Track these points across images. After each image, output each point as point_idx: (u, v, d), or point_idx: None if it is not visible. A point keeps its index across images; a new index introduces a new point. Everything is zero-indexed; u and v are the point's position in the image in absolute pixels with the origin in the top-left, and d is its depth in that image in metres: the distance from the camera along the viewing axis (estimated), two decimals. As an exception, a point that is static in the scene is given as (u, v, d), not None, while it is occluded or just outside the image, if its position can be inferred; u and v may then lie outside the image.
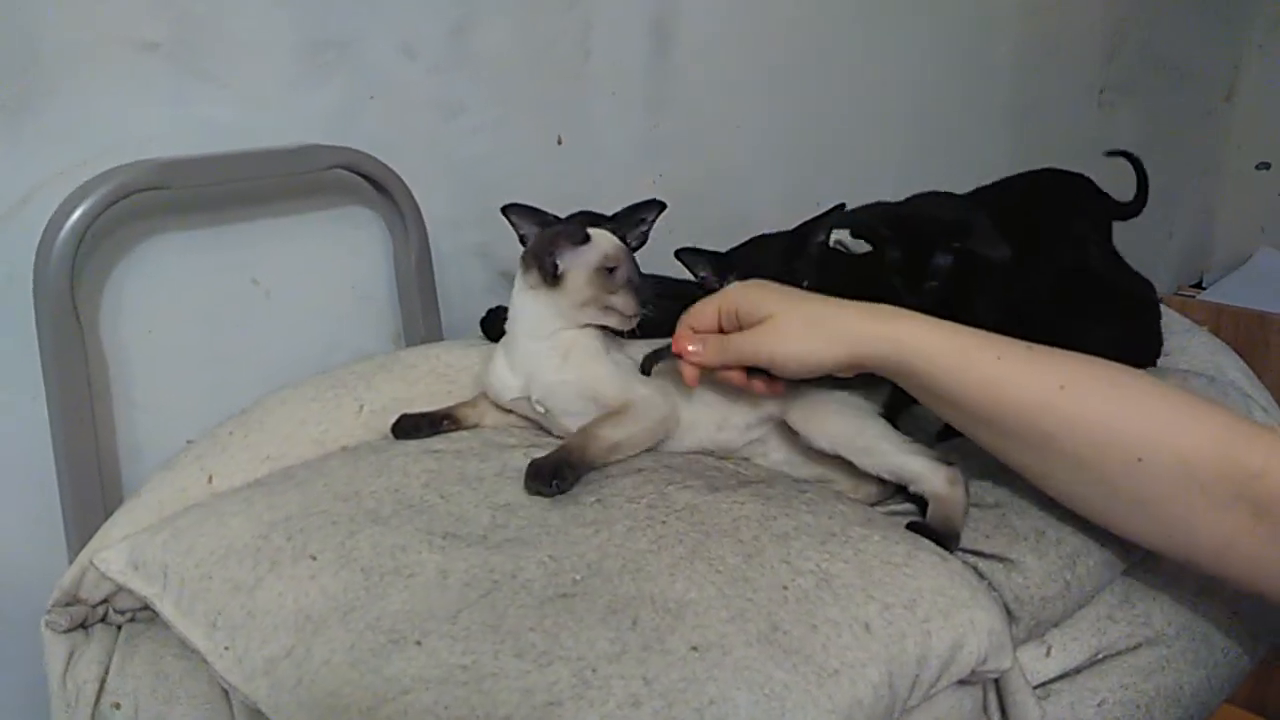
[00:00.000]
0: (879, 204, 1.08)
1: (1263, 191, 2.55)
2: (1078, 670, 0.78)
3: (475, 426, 0.94)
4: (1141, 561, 0.82)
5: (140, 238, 0.98)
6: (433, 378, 0.99)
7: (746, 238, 1.00)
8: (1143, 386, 0.73)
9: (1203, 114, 2.49)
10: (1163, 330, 1.14)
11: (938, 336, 0.76)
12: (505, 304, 0.95)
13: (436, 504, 0.78)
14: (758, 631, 0.64)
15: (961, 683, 0.71)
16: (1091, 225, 1.15)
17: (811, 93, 1.59)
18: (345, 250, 1.14)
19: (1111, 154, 1.25)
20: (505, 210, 0.97)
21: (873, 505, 0.86)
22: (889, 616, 0.67)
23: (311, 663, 0.65)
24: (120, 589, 0.80)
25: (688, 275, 0.96)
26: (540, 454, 0.82)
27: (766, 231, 1.00)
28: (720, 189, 1.44)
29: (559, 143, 1.29)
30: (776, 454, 0.91)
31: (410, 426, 0.91)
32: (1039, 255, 1.06)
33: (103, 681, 0.78)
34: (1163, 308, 1.18)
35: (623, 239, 0.91)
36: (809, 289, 0.88)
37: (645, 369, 0.90)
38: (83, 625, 0.81)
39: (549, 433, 0.92)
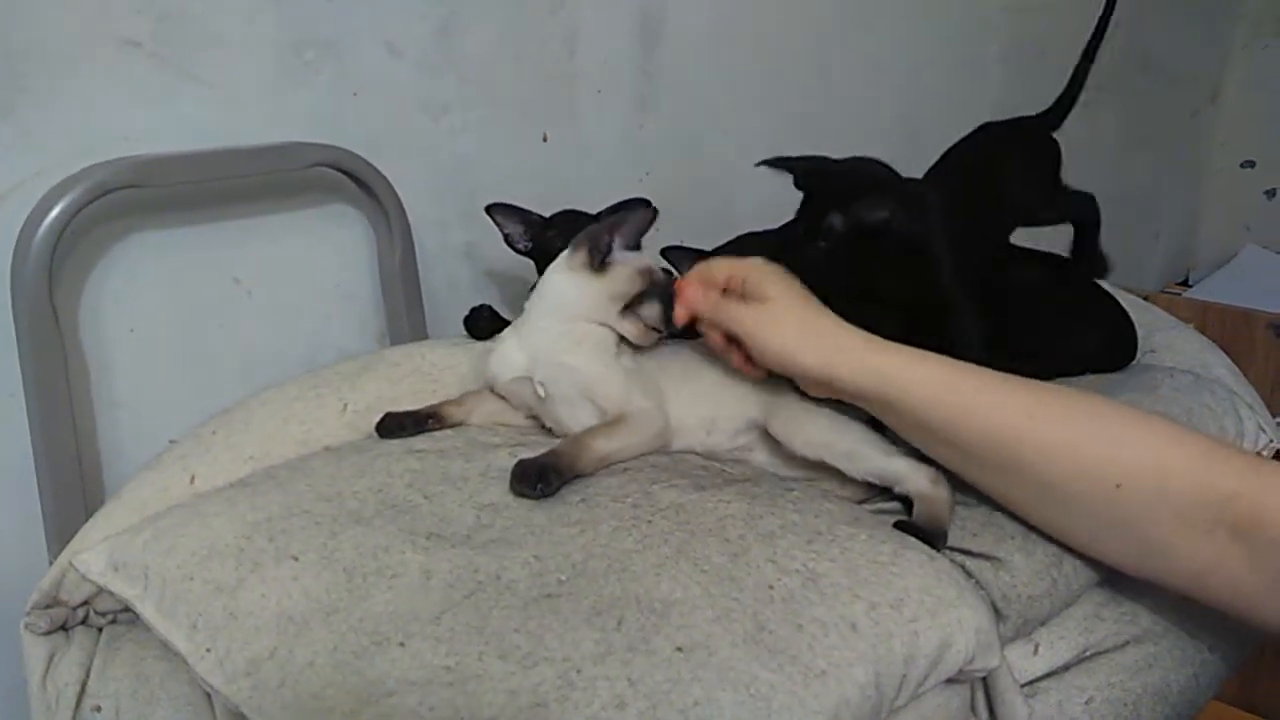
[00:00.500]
0: (821, 157, 0.96)
1: (1248, 190, 2.57)
2: (1065, 668, 0.78)
3: (460, 425, 0.93)
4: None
5: (120, 236, 0.97)
6: (417, 377, 0.99)
7: (733, 236, 0.99)
8: (1120, 414, 0.74)
9: (1188, 114, 2.50)
10: (1149, 326, 1.14)
11: (922, 371, 0.77)
12: (490, 303, 0.95)
13: (420, 504, 0.78)
14: (743, 631, 0.64)
15: (949, 682, 0.70)
16: (1021, 166, 1.07)
17: (798, 92, 1.58)
18: (329, 249, 1.13)
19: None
20: (489, 210, 0.97)
21: (860, 503, 0.86)
22: (876, 616, 0.67)
23: (294, 664, 0.64)
24: (101, 590, 0.78)
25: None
26: (526, 453, 0.82)
27: (753, 229, 0.99)
28: (707, 187, 1.43)
29: (545, 141, 1.28)
30: (761, 456, 0.91)
31: (395, 425, 0.90)
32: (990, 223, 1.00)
33: (84, 684, 0.77)
34: (1149, 305, 1.18)
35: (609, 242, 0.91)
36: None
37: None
38: (63, 627, 0.80)
39: (539, 425, 0.92)
